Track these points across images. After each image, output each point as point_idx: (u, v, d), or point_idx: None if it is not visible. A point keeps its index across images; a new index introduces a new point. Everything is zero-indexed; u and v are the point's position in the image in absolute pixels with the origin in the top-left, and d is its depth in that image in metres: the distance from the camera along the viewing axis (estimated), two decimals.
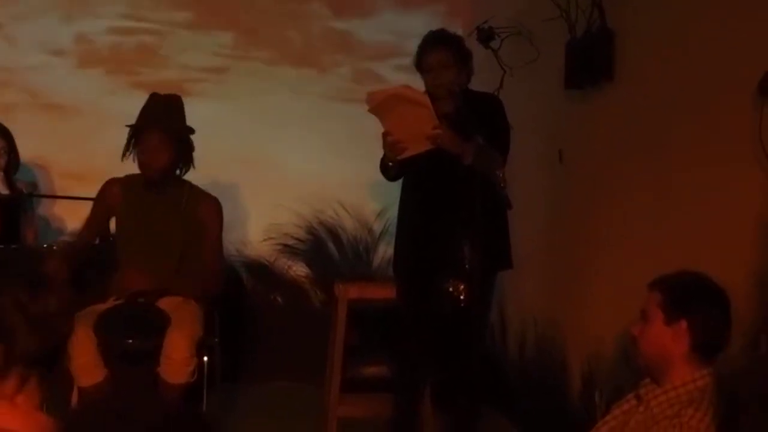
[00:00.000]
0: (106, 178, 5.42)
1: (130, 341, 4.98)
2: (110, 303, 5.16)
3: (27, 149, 6.51)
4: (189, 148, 5.31)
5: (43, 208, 6.84)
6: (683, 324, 3.18)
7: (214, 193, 5.45)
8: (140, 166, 5.24)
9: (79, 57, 7.24)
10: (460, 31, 5.70)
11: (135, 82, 7.04)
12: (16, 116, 6.74)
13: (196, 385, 5.10)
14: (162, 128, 5.23)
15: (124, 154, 5.26)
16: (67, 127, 7.15)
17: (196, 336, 5.00)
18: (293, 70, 7.46)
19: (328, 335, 5.82)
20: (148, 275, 5.20)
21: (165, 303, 5.14)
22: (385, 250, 7.01)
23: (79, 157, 7.01)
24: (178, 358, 4.90)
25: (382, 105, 4.68)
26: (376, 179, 5.27)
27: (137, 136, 5.21)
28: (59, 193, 6.85)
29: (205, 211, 5.34)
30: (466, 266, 4.61)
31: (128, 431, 1.76)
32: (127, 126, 5.27)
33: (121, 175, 5.38)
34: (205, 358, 5.15)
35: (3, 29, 7.16)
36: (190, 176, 5.41)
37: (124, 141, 5.28)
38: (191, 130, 5.31)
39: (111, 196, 5.33)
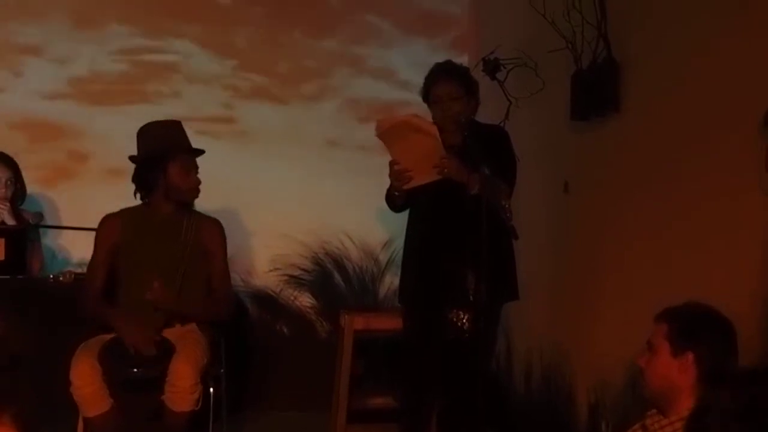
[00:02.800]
0: (109, 209, 5.40)
1: (135, 370, 4.97)
2: (114, 333, 5.15)
3: (33, 180, 6.55)
4: None
5: (50, 238, 6.85)
6: (690, 356, 3.18)
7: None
8: (177, 189, 5.21)
9: (86, 88, 7.26)
10: (465, 62, 5.73)
11: (140, 113, 7.05)
12: (22, 147, 6.77)
13: (202, 415, 5.09)
14: (192, 149, 5.30)
15: (147, 182, 5.25)
16: (75, 159, 7.17)
17: (201, 364, 5.00)
18: (298, 100, 7.49)
19: (334, 365, 5.82)
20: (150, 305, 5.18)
21: (169, 332, 5.14)
22: (391, 281, 7.01)
23: (87, 188, 7.04)
24: (183, 386, 4.89)
25: (390, 132, 4.69)
26: (382, 210, 5.27)
27: (166, 160, 5.20)
28: (65, 224, 6.86)
29: (209, 236, 5.33)
30: (471, 297, 4.62)
31: None
32: (133, 158, 5.28)
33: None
34: (211, 389, 5.14)
35: (8, 61, 7.20)
36: (197, 206, 5.42)
37: (127, 171, 5.28)
38: (203, 152, 5.36)
39: (113, 234, 5.27)
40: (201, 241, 5.29)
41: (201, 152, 5.33)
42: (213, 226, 5.38)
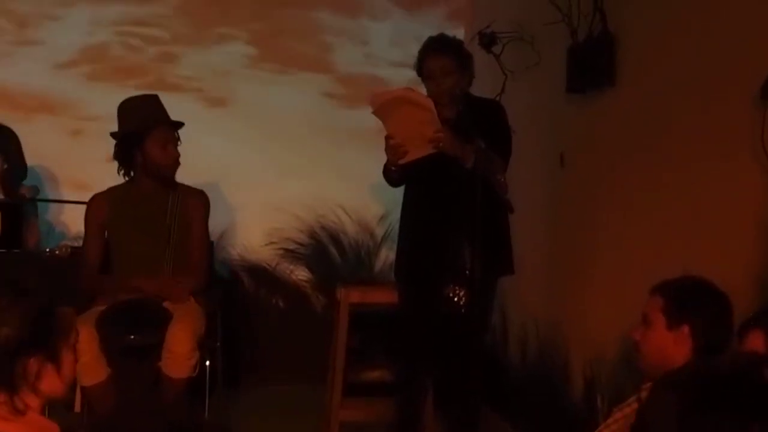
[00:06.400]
0: (109, 183, 5.40)
1: (132, 337, 4.98)
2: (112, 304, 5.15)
3: (31, 154, 6.55)
4: None
5: (47, 213, 6.85)
6: (685, 329, 3.18)
7: (215, 198, 5.46)
8: (155, 163, 5.20)
9: (86, 65, 7.24)
10: (461, 36, 5.71)
11: (136, 87, 7.04)
12: (22, 121, 6.76)
13: (199, 389, 5.11)
14: (172, 123, 5.28)
15: (127, 159, 5.24)
16: (71, 133, 7.17)
17: (198, 331, 5.00)
18: (296, 74, 7.47)
19: (330, 339, 5.82)
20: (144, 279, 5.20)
21: (166, 302, 5.15)
22: (387, 255, 7.02)
23: (83, 162, 7.03)
24: (179, 352, 4.89)
25: (385, 107, 4.69)
26: (379, 184, 5.27)
27: (142, 135, 5.19)
28: (63, 198, 6.86)
29: (192, 207, 5.33)
30: (467, 272, 4.62)
31: None
32: (114, 134, 5.25)
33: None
34: (207, 362, 5.15)
35: (11, 37, 7.18)
36: (193, 180, 5.42)
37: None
38: (182, 124, 5.34)
39: (100, 213, 5.27)
40: (186, 213, 5.29)
41: (180, 125, 5.31)
42: (197, 197, 5.37)
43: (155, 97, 5.34)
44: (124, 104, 5.29)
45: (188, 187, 5.39)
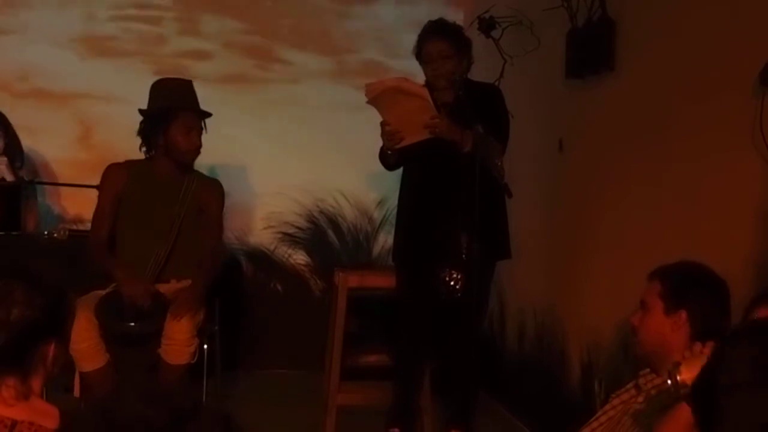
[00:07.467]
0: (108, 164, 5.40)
1: (132, 324, 4.98)
2: (111, 288, 5.16)
3: (29, 137, 6.53)
4: None
5: (44, 196, 6.84)
6: (683, 314, 3.18)
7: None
8: (177, 148, 5.22)
9: (85, 45, 7.21)
10: (461, 21, 5.71)
11: (139, 69, 7.03)
12: (19, 104, 6.75)
13: (197, 372, 5.11)
14: (198, 109, 5.30)
15: (150, 138, 5.25)
16: (69, 115, 7.15)
17: (197, 318, 5.02)
18: (294, 58, 7.46)
19: (328, 323, 5.83)
20: (145, 262, 5.21)
21: (165, 287, 5.16)
22: (385, 239, 7.03)
23: (81, 144, 7.03)
24: (179, 339, 4.91)
25: (380, 97, 4.71)
26: (377, 169, 5.28)
27: (168, 118, 5.20)
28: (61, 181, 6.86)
29: (206, 195, 5.36)
30: (463, 255, 4.63)
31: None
32: (142, 111, 5.28)
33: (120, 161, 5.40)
34: (205, 346, 5.16)
35: (9, 18, 7.15)
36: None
37: (128, 128, 5.29)
38: (210, 114, 5.36)
39: (118, 183, 5.28)
40: (198, 200, 5.31)
41: (207, 114, 5.32)
42: (212, 186, 5.41)
43: (189, 83, 5.39)
44: (158, 84, 5.35)
45: (204, 175, 5.45)
